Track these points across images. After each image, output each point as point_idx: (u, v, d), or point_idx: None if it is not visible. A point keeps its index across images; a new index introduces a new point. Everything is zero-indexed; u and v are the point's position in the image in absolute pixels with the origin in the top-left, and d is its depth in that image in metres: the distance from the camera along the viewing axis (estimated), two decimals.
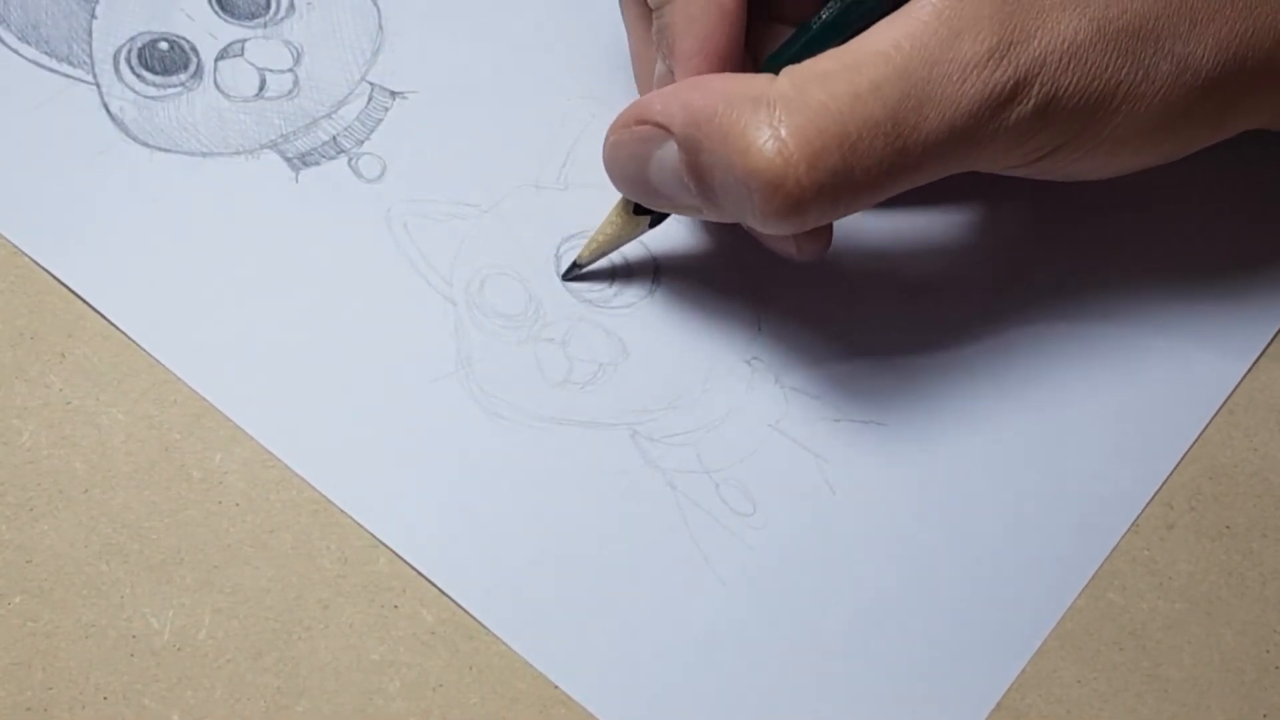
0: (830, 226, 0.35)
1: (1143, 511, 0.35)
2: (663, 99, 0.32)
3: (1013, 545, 0.34)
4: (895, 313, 0.37)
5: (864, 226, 0.38)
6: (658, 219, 0.35)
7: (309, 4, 0.40)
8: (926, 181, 0.31)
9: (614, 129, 0.33)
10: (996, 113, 0.30)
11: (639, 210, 0.35)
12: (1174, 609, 0.34)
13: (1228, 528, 0.35)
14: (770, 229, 0.31)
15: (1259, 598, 0.34)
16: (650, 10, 0.34)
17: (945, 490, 0.35)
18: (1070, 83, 0.30)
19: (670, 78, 0.33)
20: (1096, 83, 0.31)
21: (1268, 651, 0.33)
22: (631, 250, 0.37)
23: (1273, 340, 0.37)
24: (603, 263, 0.37)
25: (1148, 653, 0.33)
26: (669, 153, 0.32)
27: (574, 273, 0.36)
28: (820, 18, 0.32)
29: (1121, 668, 0.33)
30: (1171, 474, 0.35)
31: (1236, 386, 0.36)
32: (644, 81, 0.37)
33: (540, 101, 0.39)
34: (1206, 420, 0.36)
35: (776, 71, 0.31)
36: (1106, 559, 0.34)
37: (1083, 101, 0.31)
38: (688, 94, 0.31)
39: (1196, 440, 0.36)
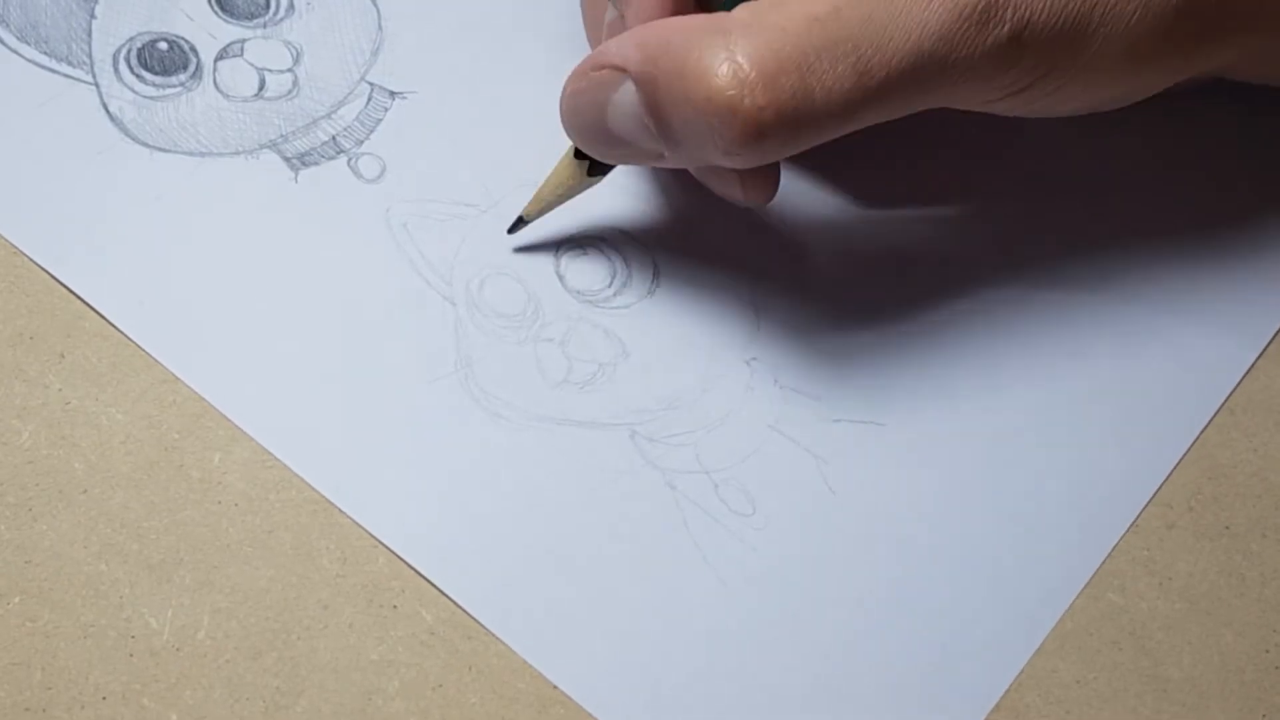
0: (777, 169, 0.34)
1: (1142, 511, 0.35)
2: (618, 42, 0.31)
3: (1013, 545, 0.34)
4: (895, 313, 0.37)
5: (864, 226, 0.38)
6: (604, 171, 0.35)
7: (308, 4, 0.40)
8: (897, 114, 0.30)
9: (570, 80, 0.33)
10: (968, 36, 0.30)
11: (594, 170, 0.34)
12: (1174, 609, 0.34)
13: (1228, 528, 0.35)
14: (733, 159, 0.30)
15: (1259, 598, 0.34)
16: None
17: (945, 490, 0.35)
18: (1043, 9, 0.30)
19: (620, 25, 0.33)
20: (1069, 9, 0.30)
21: (1268, 652, 0.33)
22: (631, 250, 0.37)
23: (1273, 340, 0.37)
24: (602, 261, 0.37)
25: (1147, 653, 0.33)
26: (627, 94, 0.31)
27: (518, 227, 0.36)
28: None
29: (1121, 668, 0.33)
30: (1171, 474, 0.35)
31: (1236, 387, 0.36)
32: (594, 31, 0.36)
33: (540, 101, 0.39)
34: (1206, 420, 0.36)
35: (730, 8, 0.31)
36: (1106, 559, 0.34)
37: (1059, 26, 0.30)
38: (642, 34, 0.31)
39: (1196, 440, 0.36)
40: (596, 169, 0.34)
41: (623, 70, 0.31)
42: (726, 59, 0.29)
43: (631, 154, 0.33)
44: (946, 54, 0.30)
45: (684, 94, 0.30)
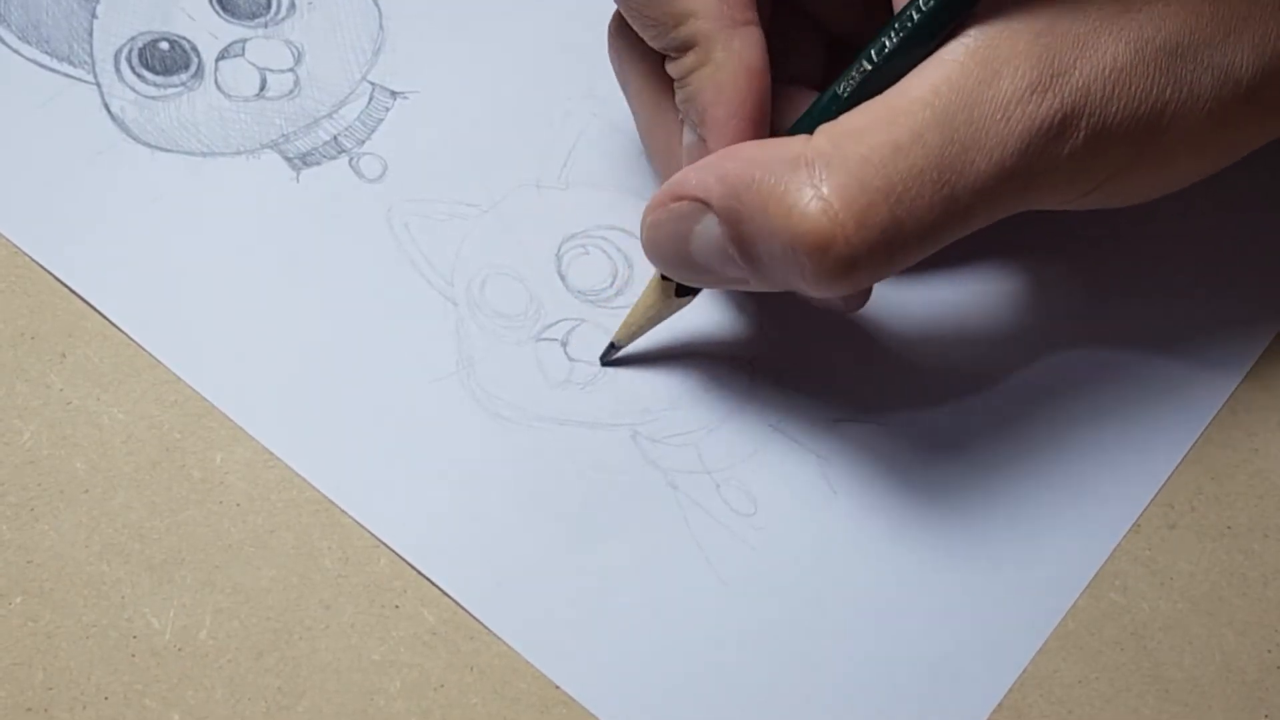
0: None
1: (1144, 511, 0.35)
2: (697, 173, 0.31)
3: (1013, 545, 0.34)
4: (896, 313, 0.37)
5: None
6: (691, 292, 0.34)
7: (310, 4, 0.40)
8: (981, 225, 0.30)
9: (650, 210, 0.32)
10: (1046, 148, 0.29)
11: (681, 291, 0.34)
12: (1175, 609, 0.34)
13: (1229, 528, 0.35)
14: (823, 292, 0.30)
15: (1260, 598, 0.34)
16: (658, 82, 0.34)
17: (945, 490, 0.35)
18: (1117, 110, 0.30)
19: (702, 147, 0.32)
20: (1143, 107, 0.30)
21: (1269, 652, 0.33)
22: (633, 250, 0.37)
23: (1274, 340, 0.37)
24: (604, 261, 0.37)
25: (1149, 653, 0.33)
26: (709, 226, 0.31)
27: (611, 355, 0.35)
28: (852, 78, 0.31)
29: (1123, 668, 0.33)
30: (1173, 474, 0.35)
31: (1237, 386, 0.36)
32: (660, 154, 0.35)
33: (540, 101, 0.39)
34: (1208, 420, 0.36)
35: (810, 132, 0.30)
36: (1108, 559, 0.34)
37: (1131, 127, 0.30)
38: (722, 164, 0.30)
39: (1198, 440, 0.36)
40: (684, 290, 0.34)
41: (704, 203, 0.31)
42: (814, 195, 0.29)
43: (717, 280, 0.32)
44: (1027, 168, 0.29)
45: (771, 231, 0.29)
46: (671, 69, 0.32)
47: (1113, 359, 0.36)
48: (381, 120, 0.38)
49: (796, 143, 0.30)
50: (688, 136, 0.33)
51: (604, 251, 0.37)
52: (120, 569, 0.32)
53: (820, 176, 0.29)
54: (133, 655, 0.31)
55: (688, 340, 0.36)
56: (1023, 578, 0.34)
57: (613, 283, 0.36)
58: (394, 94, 0.39)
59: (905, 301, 0.37)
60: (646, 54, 0.33)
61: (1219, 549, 0.35)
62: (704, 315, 0.36)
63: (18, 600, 0.32)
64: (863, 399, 0.35)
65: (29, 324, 0.35)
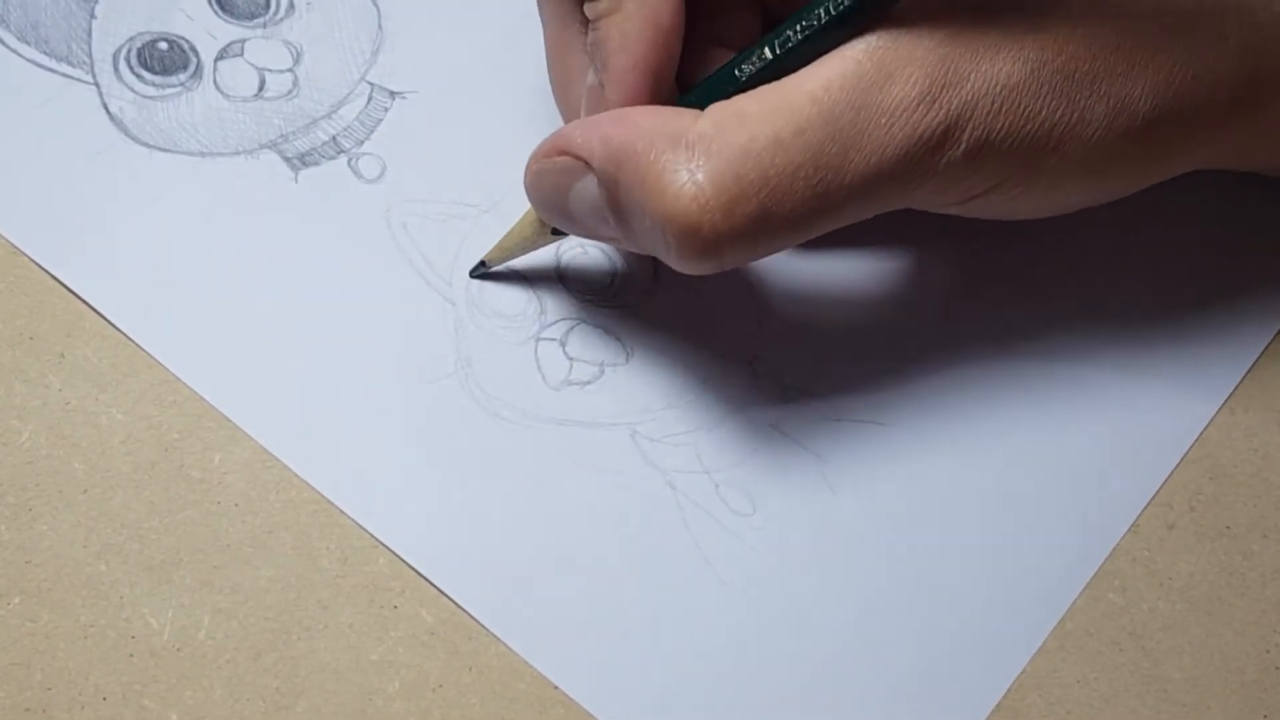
0: None
1: (1143, 512, 0.35)
2: (583, 130, 0.31)
3: (1013, 545, 0.34)
4: (896, 313, 0.37)
5: (867, 225, 0.38)
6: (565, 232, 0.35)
7: (309, 4, 0.40)
8: (854, 220, 0.31)
9: (535, 158, 0.33)
10: (925, 157, 0.30)
11: (557, 230, 0.34)
12: (1174, 609, 0.34)
13: (1228, 528, 0.35)
14: (686, 270, 0.30)
15: (1259, 598, 0.34)
16: (572, 19, 0.34)
17: (945, 490, 0.35)
18: (1003, 126, 0.30)
19: (599, 91, 0.33)
20: (1030, 125, 0.30)
21: (1268, 652, 0.33)
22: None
23: (1274, 340, 0.37)
24: (602, 262, 0.37)
25: (1148, 653, 0.33)
26: (588, 185, 0.31)
27: (480, 271, 0.36)
28: (752, 62, 0.31)
29: (1122, 668, 0.33)
30: (1172, 474, 0.35)
31: (1237, 386, 0.36)
32: (561, 90, 0.36)
33: (540, 101, 0.39)
34: (1207, 420, 0.36)
35: (703, 105, 0.30)
36: (1107, 559, 0.34)
37: (1016, 144, 0.30)
38: (608, 127, 0.31)
39: (1197, 440, 0.36)
40: (559, 230, 0.34)
41: (585, 162, 0.31)
42: (689, 179, 0.29)
43: (590, 235, 0.33)
44: (904, 173, 0.30)
45: (643, 205, 0.30)
46: (589, 9, 0.33)
47: (1113, 359, 0.36)
48: (380, 120, 0.38)
49: (685, 118, 0.30)
50: (591, 77, 0.33)
51: (603, 251, 0.37)
52: (119, 569, 0.32)
53: (698, 161, 0.29)
54: (131, 655, 0.31)
55: (687, 339, 0.36)
56: (1021, 578, 0.34)
57: (612, 282, 0.36)
58: (393, 94, 0.39)
59: (906, 301, 0.37)
60: None
61: (1218, 549, 0.34)
62: (704, 314, 0.36)
63: (16, 600, 0.32)
64: (863, 399, 0.35)
65: (28, 324, 0.35)
